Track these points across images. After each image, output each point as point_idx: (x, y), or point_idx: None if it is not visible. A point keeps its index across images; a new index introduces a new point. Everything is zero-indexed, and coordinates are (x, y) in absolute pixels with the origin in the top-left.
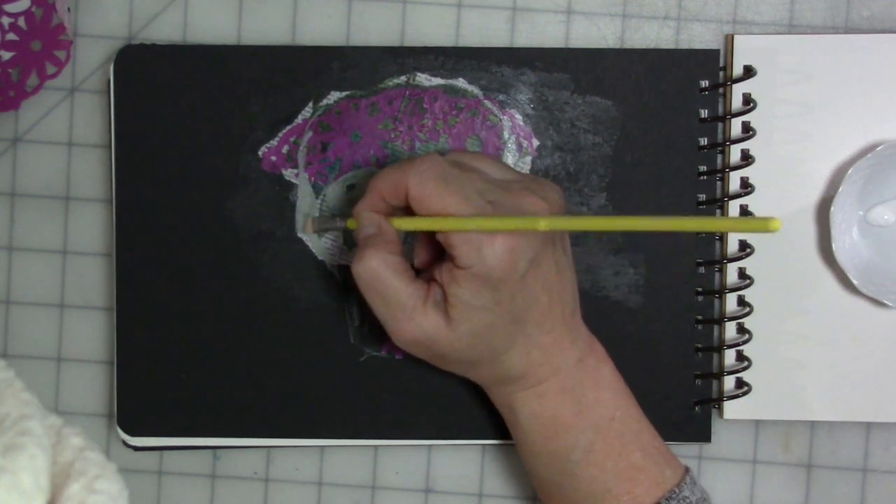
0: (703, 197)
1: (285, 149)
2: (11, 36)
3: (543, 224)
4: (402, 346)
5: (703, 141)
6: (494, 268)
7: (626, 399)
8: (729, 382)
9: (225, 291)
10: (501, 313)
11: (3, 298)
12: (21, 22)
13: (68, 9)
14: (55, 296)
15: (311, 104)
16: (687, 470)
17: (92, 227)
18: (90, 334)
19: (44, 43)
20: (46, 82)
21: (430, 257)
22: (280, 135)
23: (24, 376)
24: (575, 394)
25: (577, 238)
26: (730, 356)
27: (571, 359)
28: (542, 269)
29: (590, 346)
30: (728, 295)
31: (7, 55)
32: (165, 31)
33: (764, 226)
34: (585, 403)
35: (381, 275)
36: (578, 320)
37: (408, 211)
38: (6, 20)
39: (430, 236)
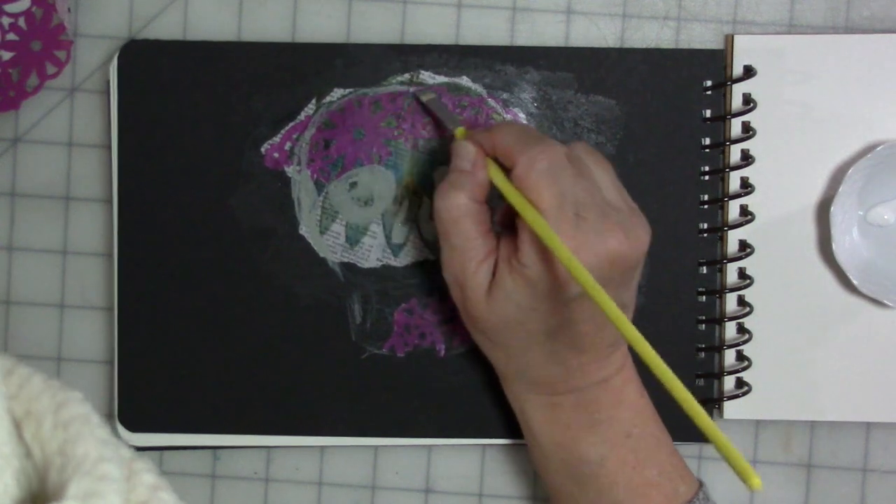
0: (705, 197)
1: (288, 146)
2: (11, 36)
3: (592, 289)
4: (446, 278)
5: (707, 140)
6: (544, 281)
7: (648, 418)
8: (729, 382)
9: (226, 288)
10: (535, 320)
11: (3, 298)
12: (21, 22)
13: (68, 9)
14: (55, 296)
15: (314, 101)
16: (701, 485)
17: (92, 227)
18: (90, 334)
19: (44, 43)
20: (46, 82)
21: (506, 219)
22: (283, 131)
23: None
24: (590, 410)
25: None
26: (730, 356)
27: (594, 380)
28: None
29: (619, 368)
30: (728, 295)
31: (7, 55)
32: (165, 30)
33: (746, 479)
34: (600, 419)
35: (460, 218)
36: (618, 347)
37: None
38: (6, 20)
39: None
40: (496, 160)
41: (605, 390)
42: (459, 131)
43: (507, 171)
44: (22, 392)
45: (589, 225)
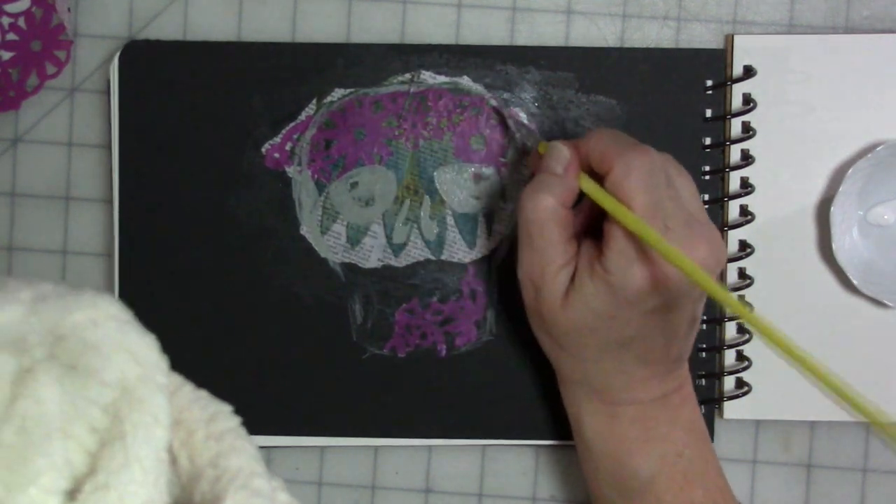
0: (706, 196)
1: (289, 146)
2: (11, 36)
3: (702, 279)
4: (521, 280)
5: (707, 140)
6: (628, 289)
7: (700, 438)
8: (729, 382)
9: (227, 289)
10: (610, 329)
11: None
12: (21, 22)
13: (68, 9)
14: None
15: (314, 101)
16: None
17: (92, 227)
18: None
19: (44, 43)
20: (46, 82)
21: (585, 226)
22: (283, 132)
23: None
24: (647, 425)
25: None
26: (730, 356)
27: (655, 394)
28: (673, 314)
29: (678, 386)
30: None
31: (7, 55)
32: (166, 30)
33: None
34: (655, 436)
35: (546, 222)
36: (681, 364)
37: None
38: (6, 20)
39: (596, 210)
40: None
41: (664, 407)
42: (542, 145)
43: (597, 178)
44: (173, 400)
45: (675, 235)
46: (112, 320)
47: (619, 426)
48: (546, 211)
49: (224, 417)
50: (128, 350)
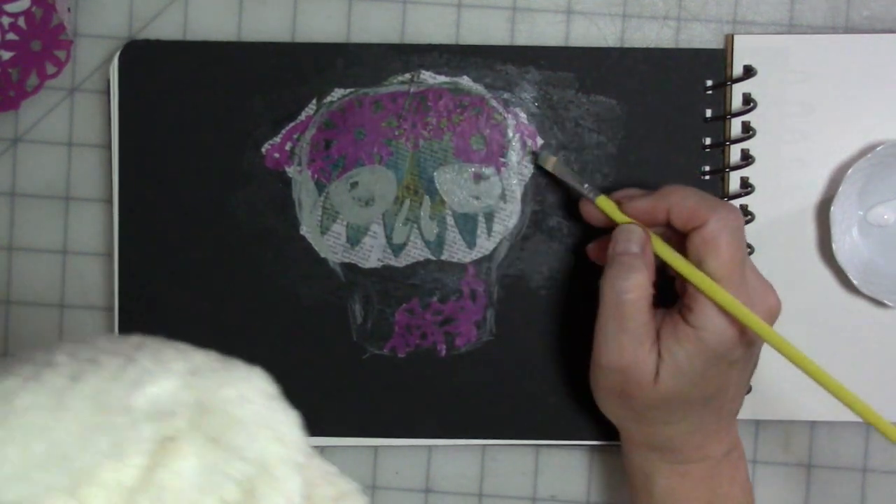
0: None
1: (289, 146)
2: (11, 36)
3: (785, 346)
4: (604, 367)
5: (707, 140)
6: (722, 342)
7: (750, 498)
8: None
9: (227, 289)
10: (699, 388)
11: (3, 298)
12: (21, 22)
13: (68, 9)
14: (55, 296)
15: (314, 101)
16: None
17: (92, 227)
18: (90, 334)
19: (44, 43)
20: (46, 82)
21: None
22: (283, 132)
23: None
24: (713, 483)
25: (581, 236)
26: None
27: (722, 450)
28: (748, 363)
29: (736, 442)
30: None
31: (7, 55)
32: (165, 30)
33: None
34: (719, 495)
35: (636, 303)
36: (736, 416)
37: (668, 232)
38: (6, 20)
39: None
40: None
41: (727, 465)
42: (601, 200)
43: (673, 232)
44: (304, 474)
45: (755, 289)
46: (261, 396)
47: (688, 484)
48: (639, 290)
49: (353, 498)
50: (272, 428)
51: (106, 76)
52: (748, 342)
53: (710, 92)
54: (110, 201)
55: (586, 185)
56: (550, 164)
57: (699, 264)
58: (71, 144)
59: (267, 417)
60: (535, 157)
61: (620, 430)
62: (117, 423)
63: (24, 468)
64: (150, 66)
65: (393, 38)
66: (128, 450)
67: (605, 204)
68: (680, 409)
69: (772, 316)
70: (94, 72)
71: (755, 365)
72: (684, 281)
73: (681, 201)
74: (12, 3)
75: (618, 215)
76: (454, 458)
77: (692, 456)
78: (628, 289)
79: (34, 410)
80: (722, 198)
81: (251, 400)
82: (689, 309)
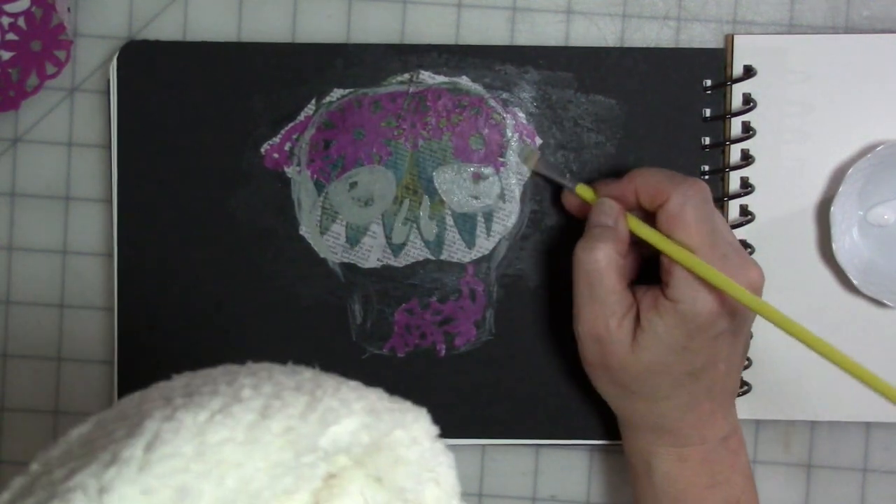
0: None
1: (288, 146)
2: (11, 36)
3: (768, 311)
4: (582, 337)
5: (707, 140)
6: (699, 314)
7: (752, 486)
8: None
9: (226, 289)
10: (682, 360)
11: (3, 298)
12: (21, 22)
13: (68, 9)
14: (55, 296)
15: (313, 101)
16: None
17: (92, 227)
18: (90, 334)
19: (44, 43)
20: (46, 82)
21: (634, 266)
22: (283, 132)
23: (24, 376)
24: (713, 469)
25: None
26: None
27: (719, 434)
28: (735, 338)
29: (735, 429)
30: None
31: (7, 55)
32: (165, 30)
33: None
34: (719, 480)
35: (604, 272)
36: (734, 399)
37: (645, 215)
38: (6, 20)
39: (645, 248)
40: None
41: (726, 450)
42: (580, 189)
43: (647, 214)
44: None
45: (731, 262)
46: (427, 439)
47: (688, 469)
48: (605, 260)
49: None
50: (434, 471)
51: (106, 76)
52: (731, 312)
53: (709, 92)
54: (110, 201)
55: (567, 176)
56: (532, 162)
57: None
58: (71, 144)
59: (431, 460)
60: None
61: (616, 413)
62: (302, 462)
63: (216, 503)
64: (148, 67)
65: (393, 37)
66: (301, 487)
67: (584, 191)
68: (664, 381)
69: (753, 288)
70: (94, 72)
71: (747, 343)
72: (662, 258)
73: (645, 181)
74: (12, 3)
75: (595, 199)
76: (454, 458)
77: (689, 438)
78: (598, 258)
79: (229, 445)
80: (722, 198)
81: (420, 442)
82: (667, 283)
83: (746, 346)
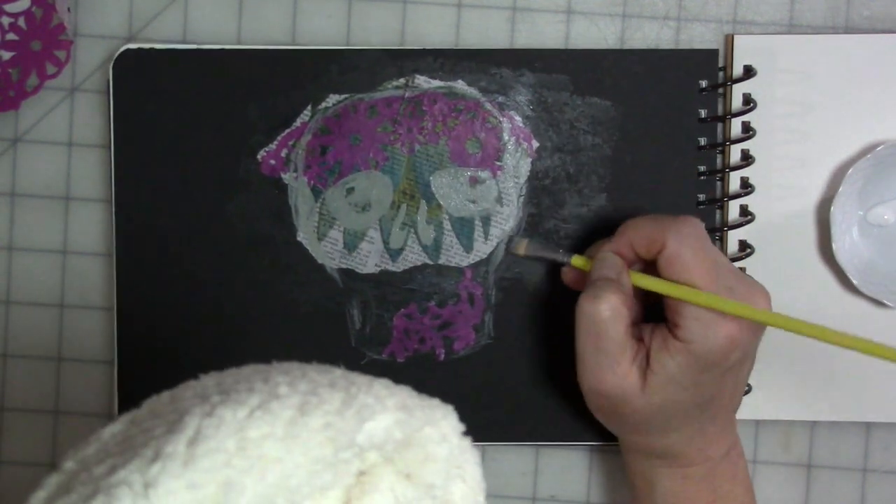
0: (702, 197)
1: (284, 152)
2: (11, 36)
3: (781, 322)
4: (588, 391)
5: (703, 141)
6: (712, 351)
7: (751, 495)
8: None
9: (225, 294)
10: (693, 395)
11: (3, 298)
12: (21, 22)
13: (68, 9)
14: (55, 296)
15: (309, 107)
16: None
17: (92, 227)
18: (90, 334)
19: (44, 43)
20: (46, 82)
21: (638, 313)
22: (279, 138)
23: (24, 376)
24: (715, 483)
25: (578, 239)
26: None
27: (722, 449)
28: (743, 366)
29: (735, 440)
30: None
31: (7, 55)
32: (165, 31)
33: None
34: (720, 494)
35: (609, 324)
36: (735, 416)
37: (644, 264)
38: (6, 20)
39: (648, 294)
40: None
41: (727, 463)
42: (576, 260)
43: (646, 263)
44: None
45: (739, 293)
46: (455, 436)
47: (691, 487)
48: (610, 311)
49: None
50: (461, 467)
51: (106, 76)
52: (744, 343)
53: (704, 93)
54: (110, 201)
55: (560, 251)
56: (522, 248)
57: None
58: (71, 144)
59: (458, 457)
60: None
61: (620, 440)
62: (341, 458)
63: (257, 498)
64: (144, 74)
65: (393, 39)
66: (337, 483)
67: (580, 261)
68: (675, 417)
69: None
70: (94, 72)
71: (752, 366)
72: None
73: (638, 232)
74: (12, 3)
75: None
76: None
77: (694, 459)
78: (602, 309)
79: (269, 441)
80: (722, 198)
81: (449, 439)
82: (676, 325)
83: (751, 368)
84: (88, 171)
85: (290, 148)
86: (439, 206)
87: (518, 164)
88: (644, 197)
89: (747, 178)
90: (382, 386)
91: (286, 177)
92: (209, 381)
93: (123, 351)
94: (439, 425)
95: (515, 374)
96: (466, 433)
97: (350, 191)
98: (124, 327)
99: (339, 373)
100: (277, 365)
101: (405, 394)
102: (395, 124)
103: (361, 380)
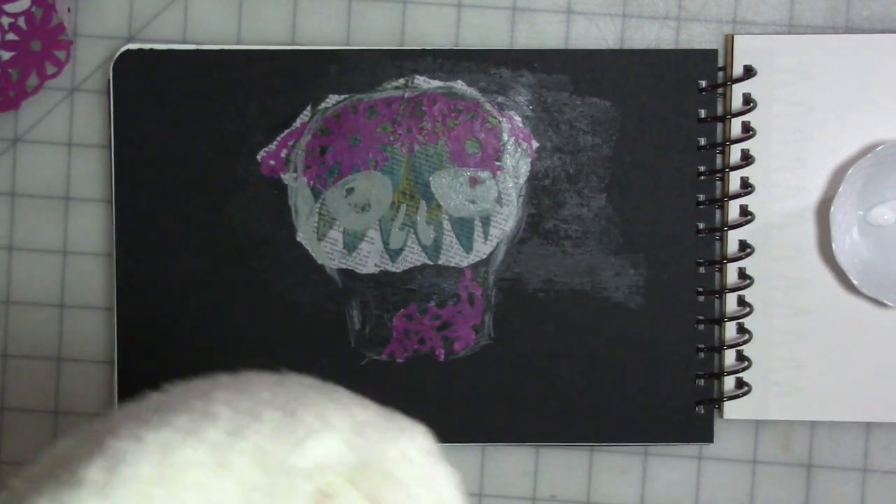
0: (702, 197)
1: (284, 153)
2: (11, 36)
3: None
4: None
5: (702, 141)
6: None
7: None
8: (729, 382)
9: (225, 295)
10: None
11: (3, 298)
12: (21, 22)
13: (68, 9)
14: (55, 296)
15: (309, 108)
16: None
17: (92, 227)
18: (90, 334)
19: (44, 43)
20: (46, 82)
21: None
22: (279, 139)
23: (24, 376)
24: None
25: (578, 239)
26: (730, 356)
27: None
28: None
29: None
30: (728, 295)
31: (7, 55)
32: (165, 31)
33: None
34: None
35: None
36: None
37: None
38: (6, 20)
39: None
40: None
41: None
42: None
43: None
44: None
45: None
46: (421, 454)
47: None
48: None
49: None
50: (432, 487)
51: (106, 76)
52: None
53: (704, 93)
54: (110, 201)
55: None
56: None
57: None
58: (71, 144)
59: (428, 477)
60: None
61: None
62: (277, 484)
63: None
64: (144, 74)
65: (393, 39)
66: None
67: None
68: None
69: None
70: (94, 72)
71: None
72: None
73: None
74: (12, 3)
75: None
76: (454, 459)
77: None
78: None
79: (194, 468)
80: (722, 198)
81: (412, 459)
82: None
83: None
84: (88, 171)
85: (290, 148)
86: (439, 206)
87: (518, 164)
88: (644, 197)
89: (747, 178)
90: (335, 403)
91: (286, 177)
92: (160, 396)
93: (123, 351)
94: (399, 445)
95: (515, 375)
96: (465, 435)
97: (350, 191)
98: (124, 327)
99: (295, 388)
100: (231, 377)
101: (362, 412)
102: (395, 124)
103: (312, 395)
